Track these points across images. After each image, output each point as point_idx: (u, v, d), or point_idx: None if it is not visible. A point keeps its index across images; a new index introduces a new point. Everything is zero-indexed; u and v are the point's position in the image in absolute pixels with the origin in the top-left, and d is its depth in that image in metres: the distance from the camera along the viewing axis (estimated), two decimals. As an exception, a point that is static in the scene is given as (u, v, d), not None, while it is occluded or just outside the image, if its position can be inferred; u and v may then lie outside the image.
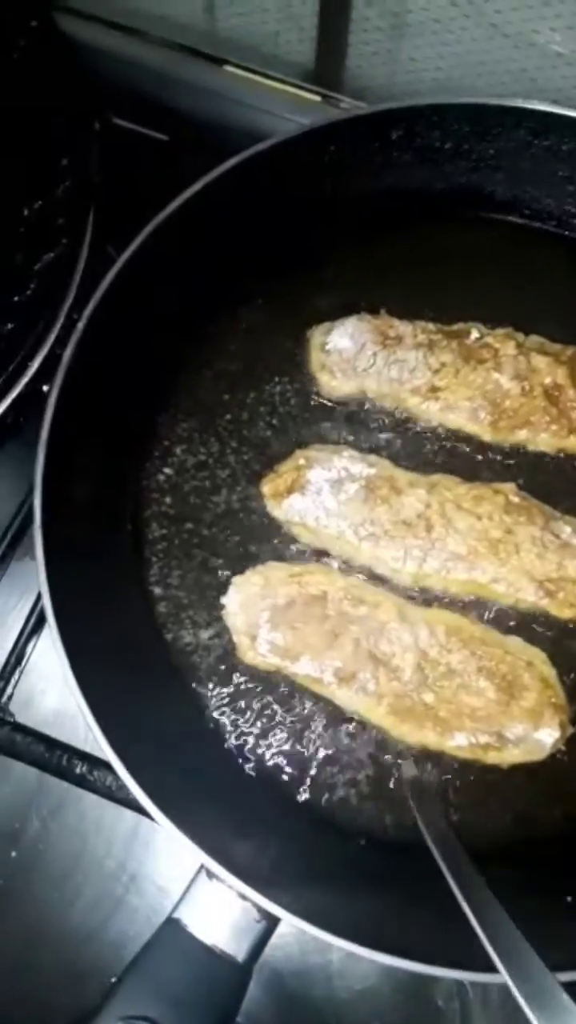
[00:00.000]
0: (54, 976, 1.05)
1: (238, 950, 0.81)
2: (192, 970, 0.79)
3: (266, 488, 0.98)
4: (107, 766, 0.94)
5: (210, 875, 0.82)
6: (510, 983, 0.65)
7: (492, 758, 0.91)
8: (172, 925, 0.81)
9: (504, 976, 0.66)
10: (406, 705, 0.91)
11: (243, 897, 0.80)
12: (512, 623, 0.97)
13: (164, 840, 1.07)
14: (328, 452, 0.99)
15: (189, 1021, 0.77)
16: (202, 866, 0.81)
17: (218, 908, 0.82)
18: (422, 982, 1.04)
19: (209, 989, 0.79)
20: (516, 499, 0.95)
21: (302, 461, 0.97)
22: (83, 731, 1.04)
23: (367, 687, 0.91)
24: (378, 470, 0.97)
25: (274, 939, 1.02)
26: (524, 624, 0.97)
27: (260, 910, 0.81)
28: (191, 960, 0.79)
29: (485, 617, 0.97)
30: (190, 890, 0.83)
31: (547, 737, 0.90)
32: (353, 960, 1.04)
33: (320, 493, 0.95)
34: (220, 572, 0.99)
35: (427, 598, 0.97)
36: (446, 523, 0.94)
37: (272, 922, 0.82)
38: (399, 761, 0.94)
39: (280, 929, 1.01)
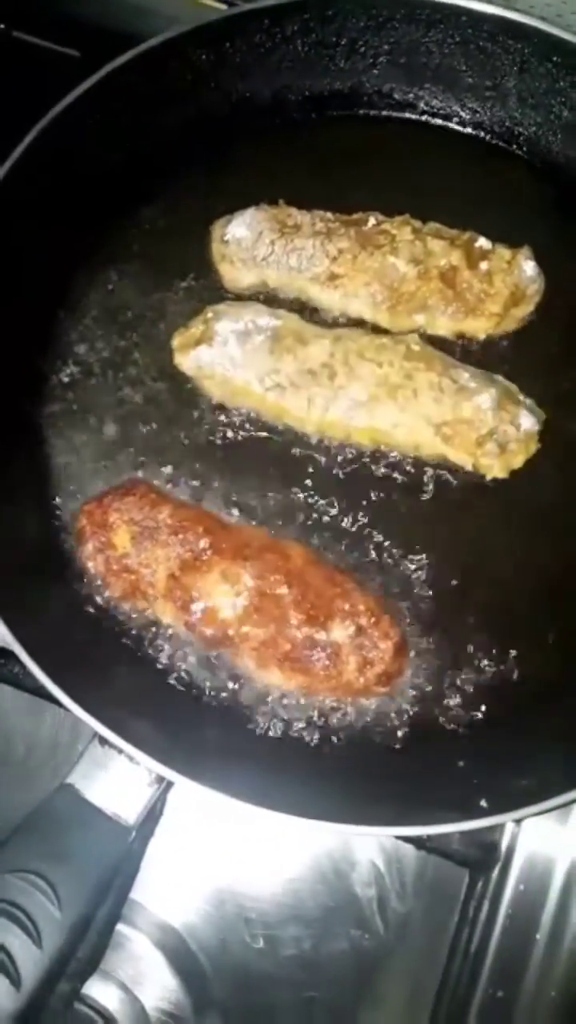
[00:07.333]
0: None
1: (129, 813, 0.82)
2: (82, 829, 0.80)
3: (175, 341, 0.99)
4: (12, 655, 0.96)
5: (103, 742, 0.83)
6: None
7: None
8: (64, 789, 0.82)
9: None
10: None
11: (135, 762, 0.81)
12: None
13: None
14: (237, 306, 0.99)
15: (77, 877, 0.78)
16: (95, 734, 0.82)
17: (111, 774, 0.83)
18: (340, 872, 1.06)
19: (98, 848, 0.80)
20: (417, 347, 0.96)
21: (210, 314, 0.98)
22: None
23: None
24: (285, 322, 0.97)
25: (200, 838, 1.04)
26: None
27: (151, 774, 0.82)
28: (81, 820, 0.80)
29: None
30: (83, 757, 0.84)
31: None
32: (274, 854, 1.06)
33: (227, 344, 0.95)
34: (129, 465, 0.99)
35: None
36: (349, 371, 0.94)
37: (163, 787, 0.83)
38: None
39: (207, 826, 1.03)
